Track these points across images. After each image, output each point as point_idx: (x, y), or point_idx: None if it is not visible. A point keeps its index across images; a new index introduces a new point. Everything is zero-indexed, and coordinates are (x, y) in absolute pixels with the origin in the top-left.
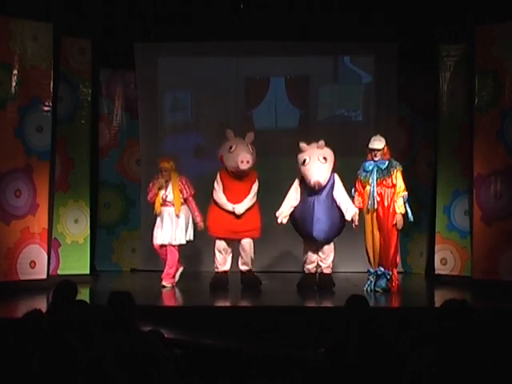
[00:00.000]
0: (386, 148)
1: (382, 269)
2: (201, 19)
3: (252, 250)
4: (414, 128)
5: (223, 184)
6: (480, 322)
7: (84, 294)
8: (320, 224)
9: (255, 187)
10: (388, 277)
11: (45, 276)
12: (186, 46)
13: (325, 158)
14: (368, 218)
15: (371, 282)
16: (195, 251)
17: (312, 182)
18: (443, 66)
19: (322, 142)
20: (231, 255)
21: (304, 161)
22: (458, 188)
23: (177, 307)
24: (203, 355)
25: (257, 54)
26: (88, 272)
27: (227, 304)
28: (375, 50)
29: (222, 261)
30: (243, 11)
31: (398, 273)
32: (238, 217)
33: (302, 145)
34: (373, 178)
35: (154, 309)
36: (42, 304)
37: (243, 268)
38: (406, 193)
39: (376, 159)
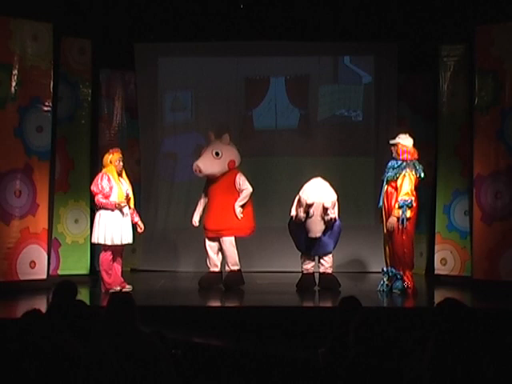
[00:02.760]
0: (401, 148)
1: (394, 270)
2: (201, 19)
3: (231, 250)
4: (414, 128)
5: (206, 186)
6: (480, 322)
7: (84, 294)
8: (325, 246)
9: (245, 191)
10: (399, 277)
11: (45, 276)
12: (186, 46)
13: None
14: (383, 216)
15: (384, 282)
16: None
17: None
18: (443, 66)
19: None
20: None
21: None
22: (458, 188)
23: (176, 307)
24: (203, 355)
25: (257, 54)
26: (88, 272)
27: (227, 304)
28: (375, 50)
29: (212, 261)
30: (243, 11)
31: None
32: (218, 216)
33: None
34: (385, 177)
35: (154, 309)
36: (42, 304)
37: (226, 268)
38: (408, 198)
39: (394, 154)
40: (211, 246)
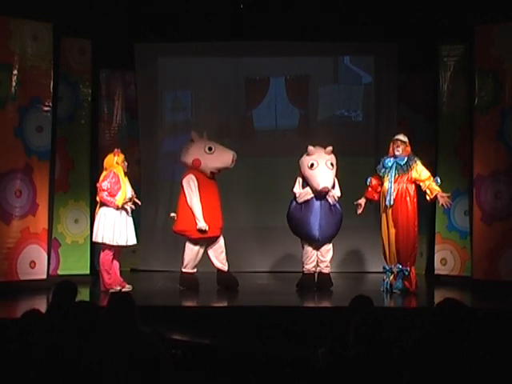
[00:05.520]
0: (408, 147)
1: (400, 266)
2: (200, 19)
3: None
4: (413, 128)
5: (199, 188)
6: (480, 322)
7: (84, 294)
8: (324, 228)
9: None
10: (406, 273)
11: (45, 276)
12: (186, 45)
13: (332, 164)
14: (384, 215)
15: (386, 281)
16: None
17: (320, 188)
18: (443, 66)
19: (329, 148)
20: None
21: (312, 165)
22: (458, 188)
23: (176, 307)
24: (203, 355)
25: (257, 54)
26: (88, 272)
27: (226, 304)
28: (375, 50)
29: (197, 262)
30: (243, 11)
31: None
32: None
33: (310, 148)
34: (391, 175)
35: (154, 309)
36: (42, 304)
37: (223, 267)
38: (435, 177)
39: (397, 153)
40: (205, 247)
